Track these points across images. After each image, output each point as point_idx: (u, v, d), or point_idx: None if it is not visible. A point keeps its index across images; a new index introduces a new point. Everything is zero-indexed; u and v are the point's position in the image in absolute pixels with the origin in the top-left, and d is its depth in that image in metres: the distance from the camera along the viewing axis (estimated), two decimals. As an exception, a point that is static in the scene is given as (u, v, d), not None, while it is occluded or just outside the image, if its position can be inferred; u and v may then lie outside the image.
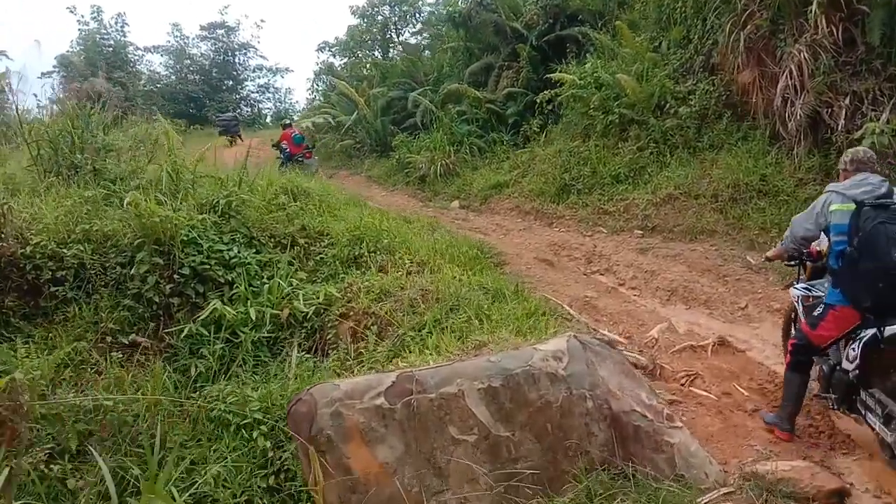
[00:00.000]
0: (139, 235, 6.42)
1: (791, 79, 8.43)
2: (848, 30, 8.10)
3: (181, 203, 7.11)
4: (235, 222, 7.08)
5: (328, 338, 6.04)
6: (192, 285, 6.42)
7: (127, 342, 6.07)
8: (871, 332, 3.65)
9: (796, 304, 4.60)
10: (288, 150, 15.11)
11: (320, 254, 7.18)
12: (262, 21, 62.10)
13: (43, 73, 35.70)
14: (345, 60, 22.82)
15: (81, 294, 6.22)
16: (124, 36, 36.11)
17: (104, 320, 6.05)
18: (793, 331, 4.87)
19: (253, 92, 42.27)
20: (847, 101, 8.08)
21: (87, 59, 34.20)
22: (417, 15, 19.38)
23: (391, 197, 14.26)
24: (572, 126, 12.13)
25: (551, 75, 12.50)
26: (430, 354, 4.42)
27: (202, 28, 39.65)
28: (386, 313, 5.73)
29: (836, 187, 3.97)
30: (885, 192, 3.74)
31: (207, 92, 38.22)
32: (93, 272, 6.27)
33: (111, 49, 35.38)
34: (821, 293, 4.19)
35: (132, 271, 6.31)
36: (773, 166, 8.55)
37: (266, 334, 6.07)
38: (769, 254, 4.85)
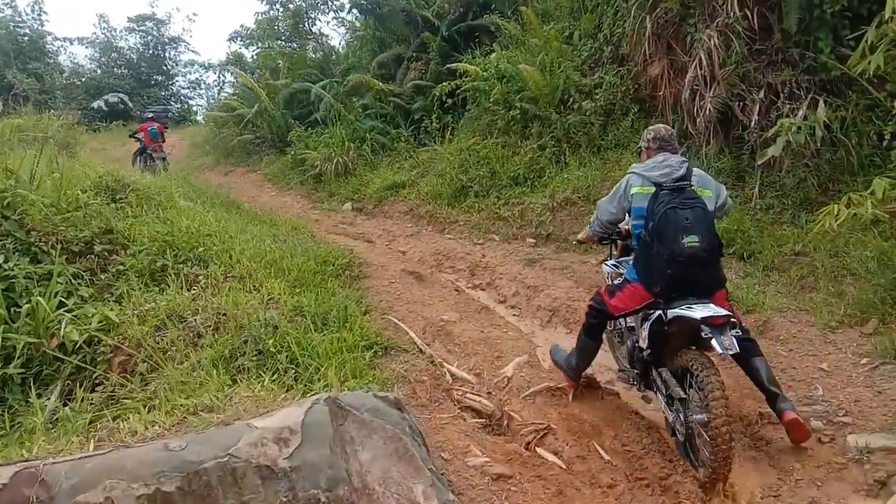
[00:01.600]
0: None
1: (701, 69, 7.43)
2: (764, 15, 7.14)
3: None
4: (11, 225, 5.65)
5: (95, 377, 4.69)
6: (-71, 305, 4.98)
7: None
8: (657, 313, 3.69)
9: (607, 279, 4.70)
10: (143, 141, 14.40)
11: (122, 264, 5.80)
12: (194, 15, 59.55)
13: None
14: (257, 51, 21.22)
15: None
16: (42, 25, 33.58)
17: None
18: None
19: (184, 88, 40.03)
20: (762, 94, 7.13)
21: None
22: (330, 3, 17.97)
23: (281, 197, 12.88)
24: (474, 122, 10.98)
25: (452, 65, 11.34)
26: (157, 414, 3.13)
27: (130, 20, 37.24)
28: (161, 347, 4.43)
29: (637, 168, 3.94)
30: (684, 174, 3.72)
31: (135, 87, 35.99)
32: None
33: (26, 38, 32.84)
34: (624, 271, 4.26)
35: None
36: (680, 168, 7.53)
37: (16, 371, 4.69)
38: (580, 237, 4.91)
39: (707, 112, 7.34)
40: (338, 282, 6.25)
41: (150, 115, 16.19)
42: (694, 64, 7.54)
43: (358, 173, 12.24)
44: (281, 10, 19.95)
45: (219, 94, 28.75)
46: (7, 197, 5.73)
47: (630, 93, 8.79)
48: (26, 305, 5.00)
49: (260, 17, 19.91)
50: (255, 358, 4.18)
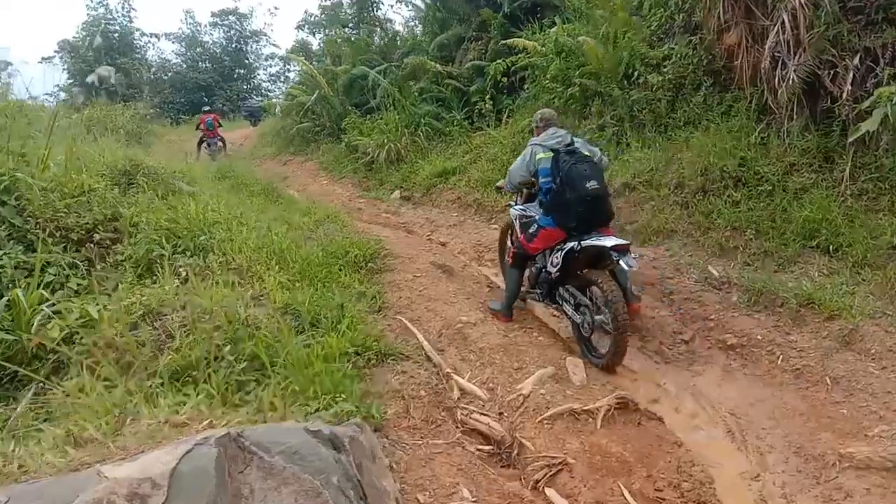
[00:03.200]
0: None
1: (784, 33, 6.37)
2: (862, -35, 6.05)
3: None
4: (8, 210, 5.27)
5: (69, 378, 4.19)
6: None
7: None
8: (570, 244, 4.70)
9: (514, 221, 5.58)
10: (203, 133, 17.11)
11: (121, 254, 5.33)
12: (275, 8, 60.47)
13: (43, 58, 34.71)
14: (321, 38, 20.92)
15: None
16: (130, 21, 34.83)
17: None
18: (509, 243, 5.99)
19: (265, 81, 40.73)
20: (856, 60, 6.04)
21: (90, 45, 33.11)
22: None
23: (332, 185, 12.39)
24: (531, 103, 10.12)
25: (507, 41, 10.50)
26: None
27: (214, 15, 38.39)
28: (132, 347, 3.87)
29: (536, 141, 5.23)
30: (570, 141, 4.99)
31: (218, 80, 36.99)
32: None
33: (117, 35, 34.09)
34: (532, 213, 5.27)
35: None
36: (757, 148, 6.47)
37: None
38: (499, 184, 6.04)
39: (790, 82, 6.27)
40: (357, 275, 5.61)
41: (206, 108, 19.61)
42: (776, 28, 6.48)
43: (409, 160, 11.58)
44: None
45: (284, 83, 28.97)
46: (5, 181, 5.36)
47: (703, 64, 7.72)
48: (3, 300, 4.57)
49: (324, 4, 19.57)
50: (215, 366, 3.56)
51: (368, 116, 13.78)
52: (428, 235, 8.19)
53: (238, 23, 39.32)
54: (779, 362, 4.26)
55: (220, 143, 17.09)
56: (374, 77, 13.99)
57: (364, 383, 3.66)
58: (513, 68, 10.38)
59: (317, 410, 3.12)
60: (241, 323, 3.97)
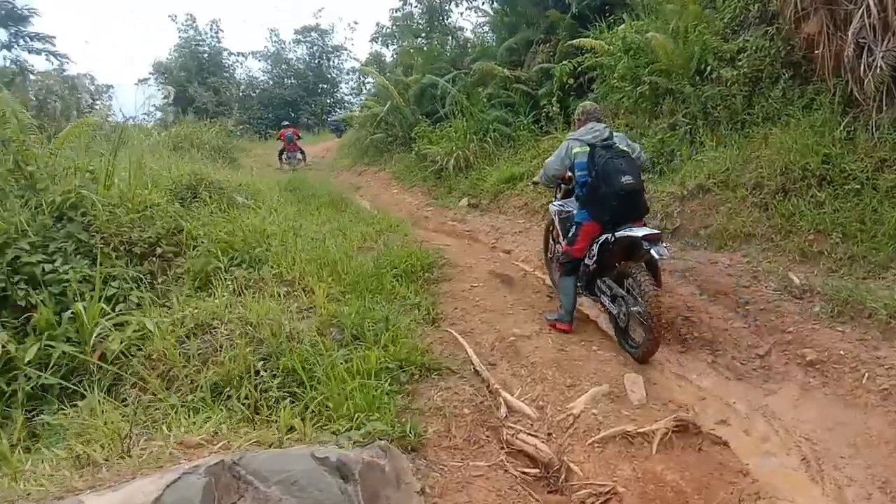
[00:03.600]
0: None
1: (869, 16, 5.86)
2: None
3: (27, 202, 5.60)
4: (74, 226, 5.45)
5: (125, 390, 4.25)
6: (-22, 309, 4.83)
7: None
8: (605, 236, 4.85)
9: (554, 217, 5.79)
10: (283, 145, 18.87)
11: (180, 266, 5.43)
12: (355, 23, 61.67)
13: (139, 80, 36.70)
14: (394, 49, 21.09)
15: None
16: (219, 42, 36.46)
17: None
18: (551, 242, 6.14)
19: (347, 94, 41.69)
20: (956, 41, 5.48)
21: (183, 66, 34.80)
22: (467, -4, 17.30)
23: (402, 194, 12.37)
24: (600, 103, 9.76)
25: (574, 41, 10.20)
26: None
27: (297, 32, 39.61)
28: (179, 362, 3.88)
29: (573, 135, 5.35)
30: (608, 136, 5.10)
31: (303, 95, 38.15)
32: None
33: (206, 55, 35.69)
34: (571, 209, 5.41)
35: None
36: (843, 143, 5.94)
37: (54, 381, 4.36)
38: (535, 179, 6.04)
39: (878, 70, 5.73)
40: (414, 286, 5.50)
41: (286, 123, 21.62)
42: (860, 12, 5.96)
43: (477, 167, 11.43)
44: (415, 4, 19.65)
45: (359, 95, 29.45)
46: (71, 198, 5.55)
47: (781, 56, 7.20)
48: (67, 312, 4.70)
49: (395, 15, 19.73)
50: (253, 381, 3.51)
51: (438, 125, 13.74)
52: (493, 244, 8.00)
53: (320, 39, 40.36)
54: (864, 381, 3.82)
55: (299, 156, 18.73)
56: (443, 85, 13.94)
57: (404, 400, 3.52)
58: (579, 69, 10.06)
59: (348, 430, 3.01)
60: (285, 336, 3.92)
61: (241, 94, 38.56)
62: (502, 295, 5.51)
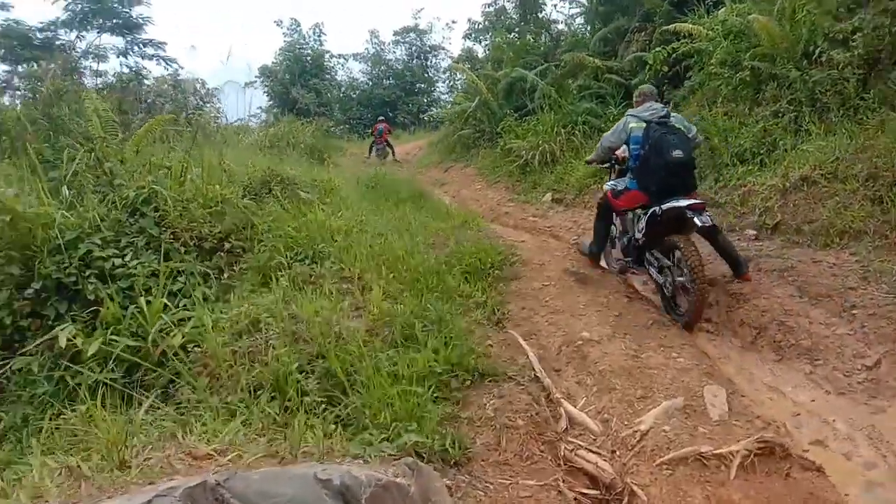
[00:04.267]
0: (10, 238, 5.08)
1: None
2: None
3: (104, 197, 5.72)
4: (146, 221, 5.49)
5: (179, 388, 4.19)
6: (53, 303, 4.92)
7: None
8: (653, 209, 5.05)
9: (609, 194, 5.91)
10: (374, 139, 20.46)
11: (246, 262, 5.37)
12: (453, 22, 61.74)
13: (246, 84, 38.10)
14: (486, 44, 20.78)
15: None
16: (321, 45, 37.35)
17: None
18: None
19: (444, 93, 41.86)
20: None
21: (287, 69, 35.96)
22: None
23: (485, 190, 12.06)
24: (695, 93, 9.14)
25: (669, 27, 9.57)
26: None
27: (396, 33, 40.10)
28: (225, 361, 3.76)
29: (632, 112, 5.66)
30: (665, 114, 5.33)
31: (400, 95, 38.66)
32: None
33: (308, 58, 36.74)
34: (622, 187, 5.71)
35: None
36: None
37: (116, 376, 4.36)
38: (588, 157, 6.58)
39: None
40: (481, 283, 5.21)
41: (381, 118, 22.78)
42: None
43: (564, 161, 10.95)
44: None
45: (450, 91, 29.41)
46: (144, 193, 5.61)
47: (902, 33, 6.42)
48: (132, 307, 4.70)
49: (487, 10, 19.42)
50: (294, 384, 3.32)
51: (525, 119, 13.35)
52: (575, 240, 7.56)
53: (418, 39, 40.66)
54: None
55: (386, 149, 19.99)
56: (532, 78, 13.53)
57: (452, 408, 3.24)
58: (674, 55, 9.43)
59: (383, 440, 2.76)
60: (333, 336, 3.72)
61: (341, 94, 39.43)
62: (575, 295, 5.12)
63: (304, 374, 3.44)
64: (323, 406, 3.08)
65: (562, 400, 3.46)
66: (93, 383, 4.33)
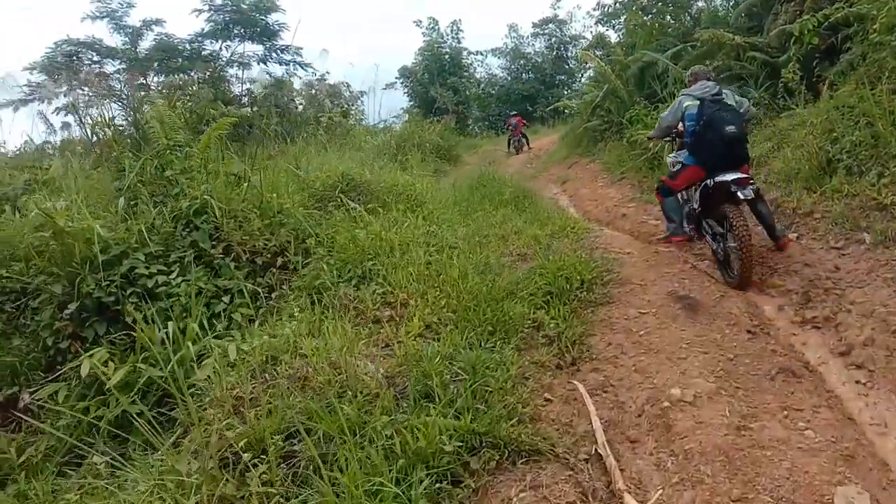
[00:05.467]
0: (54, 254, 4.85)
1: None
2: None
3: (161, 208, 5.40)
4: (200, 234, 5.07)
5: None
6: (92, 324, 4.60)
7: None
8: (704, 182, 5.51)
9: (671, 167, 6.47)
10: (510, 133, 21.79)
11: (296, 281, 4.79)
12: (593, 10, 59.61)
13: (386, 85, 38.86)
14: (619, 29, 19.25)
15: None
16: (459, 42, 37.09)
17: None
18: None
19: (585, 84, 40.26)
20: None
21: (426, 68, 36.19)
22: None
23: (606, 188, 10.84)
24: (858, 64, 7.51)
25: (823, -11, 7.99)
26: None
27: (535, 25, 39.04)
28: (229, 404, 3.15)
29: (686, 91, 6.05)
30: (717, 92, 5.72)
31: (540, 89, 37.75)
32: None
33: (447, 56, 36.71)
34: (682, 159, 6.09)
35: (35, 302, 4.78)
36: None
37: (142, 409, 3.93)
38: (650, 134, 7.24)
39: None
40: (562, 308, 4.29)
41: (514, 112, 23.85)
42: None
43: (696, 154, 9.57)
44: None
45: (579, 81, 27.80)
46: (196, 204, 5.19)
47: None
48: (161, 332, 4.25)
49: (618, -9, 17.91)
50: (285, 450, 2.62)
51: (656, 107, 11.97)
52: (699, 248, 6.36)
53: (558, 30, 39.37)
54: None
55: (522, 140, 21.44)
56: (663, 62, 12.13)
57: None
58: (827, 23, 7.84)
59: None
60: (340, 385, 3.00)
61: (479, 91, 39.06)
62: (678, 328, 4.05)
63: (290, 438, 2.74)
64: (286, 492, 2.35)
65: (626, 494, 2.50)
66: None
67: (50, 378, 4.54)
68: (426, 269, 4.43)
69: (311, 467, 2.48)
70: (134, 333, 4.29)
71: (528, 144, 21.49)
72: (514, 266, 5.15)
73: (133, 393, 4.03)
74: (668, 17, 16.29)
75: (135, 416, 3.69)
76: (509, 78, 38.83)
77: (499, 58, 38.90)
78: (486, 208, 7.58)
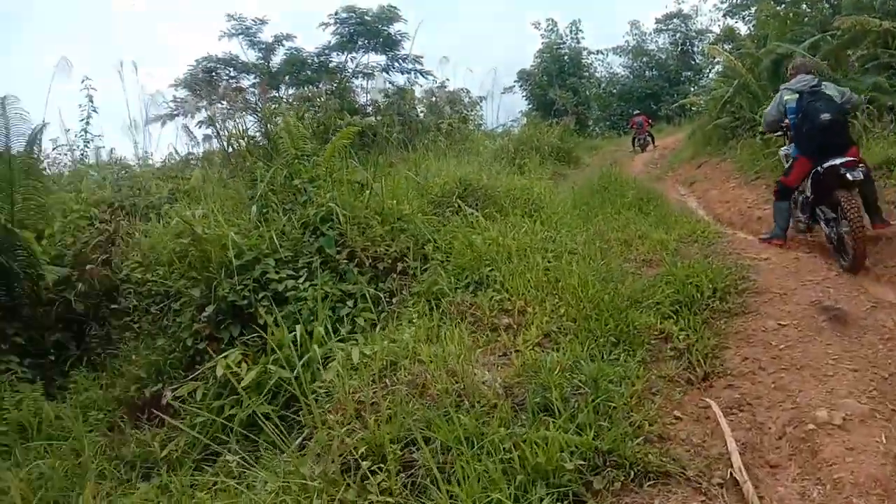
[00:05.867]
0: (193, 260, 5.17)
1: None
2: None
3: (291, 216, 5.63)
4: (326, 241, 5.23)
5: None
6: (227, 326, 4.84)
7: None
8: (814, 170, 5.62)
9: (783, 160, 6.77)
10: (634, 131, 21.61)
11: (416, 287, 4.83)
12: (721, 2, 56.80)
13: (505, 89, 38.85)
14: (750, 20, 18.18)
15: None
16: (578, 42, 36.36)
17: (134, 364, 4.99)
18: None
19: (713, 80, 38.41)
20: None
21: (545, 70, 35.89)
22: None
23: (738, 189, 10.18)
24: None
25: None
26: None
27: (657, 21, 37.86)
28: (349, 409, 3.20)
29: (785, 86, 6.24)
30: (815, 84, 5.88)
31: (664, 86, 36.50)
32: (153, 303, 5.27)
33: (566, 57, 36.24)
34: (791, 153, 6.32)
35: (176, 305, 5.11)
36: None
37: (271, 410, 4.10)
38: (761, 128, 8.09)
39: None
40: (692, 319, 4.05)
41: (637, 111, 24.01)
42: None
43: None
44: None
45: (706, 77, 26.44)
46: (322, 211, 5.36)
47: None
48: (291, 334, 4.40)
49: (750, -21, 16.94)
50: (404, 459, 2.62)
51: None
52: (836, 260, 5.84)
53: (683, 25, 37.82)
54: None
55: (647, 139, 21.35)
56: (799, 53, 11.31)
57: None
58: None
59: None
60: (457, 394, 2.96)
61: (600, 91, 38.18)
62: (824, 342, 3.70)
63: (408, 446, 2.74)
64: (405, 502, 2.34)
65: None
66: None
67: (189, 377, 4.81)
68: (544, 276, 4.32)
69: (430, 478, 2.45)
70: (266, 336, 4.48)
71: (653, 143, 21.35)
72: (638, 273, 4.92)
73: (263, 394, 4.18)
74: (804, 5, 15.24)
75: (263, 417, 3.84)
76: (631, 76, 37.79)
77: (620, 56, 37.84)
78: (607, 212, 7.34)
